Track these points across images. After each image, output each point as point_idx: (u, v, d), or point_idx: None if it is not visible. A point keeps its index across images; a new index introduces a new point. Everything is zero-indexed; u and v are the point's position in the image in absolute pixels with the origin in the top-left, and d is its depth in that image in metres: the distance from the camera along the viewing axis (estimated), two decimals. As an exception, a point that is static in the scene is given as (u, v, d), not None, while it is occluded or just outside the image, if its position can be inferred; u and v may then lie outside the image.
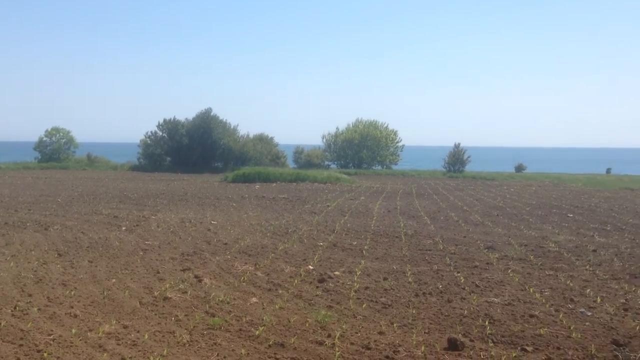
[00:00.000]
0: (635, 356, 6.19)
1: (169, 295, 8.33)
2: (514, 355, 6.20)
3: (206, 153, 52.52)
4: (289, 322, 7.23)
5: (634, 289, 9.32)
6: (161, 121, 54.48)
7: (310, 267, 10.52)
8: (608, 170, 65.78)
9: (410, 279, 9.74)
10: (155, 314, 7.53)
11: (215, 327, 6.97)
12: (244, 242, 13.15)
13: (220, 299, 8.19)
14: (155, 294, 8.49)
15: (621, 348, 6.42)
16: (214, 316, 7.41)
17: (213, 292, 8.55)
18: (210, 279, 9.47)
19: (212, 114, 53.98)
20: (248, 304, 8.08)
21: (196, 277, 9.52)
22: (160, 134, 54.13)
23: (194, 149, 51.78)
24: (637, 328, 7.16)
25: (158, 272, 9.97)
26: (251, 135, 57.80)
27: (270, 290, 8.87)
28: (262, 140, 58.50)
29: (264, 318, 7.32)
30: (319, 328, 7.04)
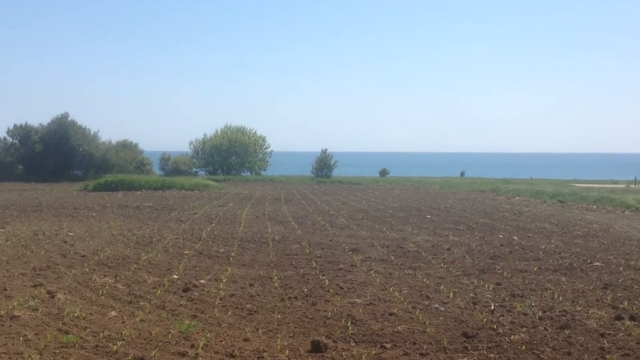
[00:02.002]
0: (482, 346, 6.67)
1: (17, 314, 7.69)
2: (373, 353, 6.43)
3: (64, 161, 49.39)
4: (151, 334, 6.96)
5: (482, 283, 10.06)
6: (11, 127, 50.49)
7: (175, 277, 10.23)
8: (462, 174, 70.76)
9: (276, 284, 9.78)
10: (1, 335, 6.91)
11: (69, 345, 6.53)
12: (103, 254, 12.50)
13: (76, 315, 7.70)
14: (1, 312, 7.80)
15: (470, 339, 6.89)
16: (67, 333, 6.94)
17: (67, 308, 8.02)
18: (65, 294, 8.88)
19: (69, 119, 50.90)
20: (106, 318, 7.67)
21: (49, 292, 8.87)
22: (11, 140, 50.16)
23: (50, 157, 48.47)
24: (485, 320, 7.72)
25: (5, 290, 9.16)
26: (114, 142, 55.29)
27: (131, 303, 8.50)
28: (126, 146, 56.15)
29: (123, 332, 6.99)
30: (182, 339, 6.85)
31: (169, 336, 6.91)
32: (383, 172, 67.22)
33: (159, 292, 9.10)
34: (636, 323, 7.62)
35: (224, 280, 9.97)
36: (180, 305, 8.41)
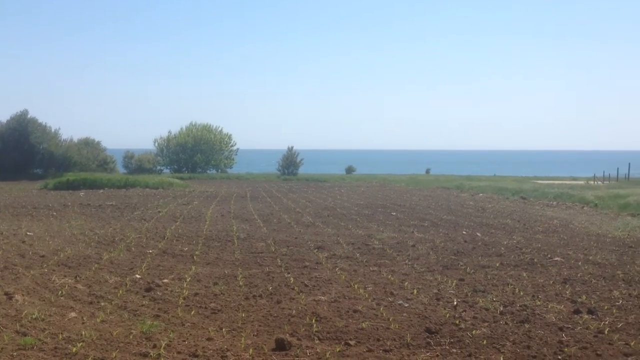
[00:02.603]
0: (445, 341, 6.74)
1: (-28, 317, 7.47)
2: (337, 350, 6.44)
3: (23, 159, 48.11)
4: (112, 335, 6.84)
5: (445, 279, 10.17)
6: (-32, 124, 49.04)
7: (137, 276, 10.08)
8: (427, 171, 71.49)
9: (241, 283, 9.72)
10: (-46, 339, 6.70)
11: (27, 347, 6.37)
12: (64, 254, 12.23)
13: (34, 317, 7.52)
14: (-44, 316, 7.57)
15: (433, 335, 6.96)
16: (25, 335, 6.77)
17: (26, 310, 7.82)
18: (23, 295, 8.66)
19: (29, 116, 49.65)
20: (66, 319, 7.51)
21: (6, 294, 8.64)
22: (-33, 138, 48.69)
23: (8, 155, 47.16)
24: (447, 315, 7.81)
25: (-40, 292, 8.91)
26: (75, 140, 54.18)
27: (91, 304, 8.34)
28: (88, 144, 55.15)
29: (83, 333, 6.85)
30: (144, 339, 6.74)
31: (131, 337, 6.80)
32: (349, 170, 67.47)
33: (120, 292, 8.95)
34: (594, 317, 7.80)
35: (188, 279, 9.87)
36: (143, 305, 8.28)
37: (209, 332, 7.04)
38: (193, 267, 10.98)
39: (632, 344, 6.66)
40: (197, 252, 12.66)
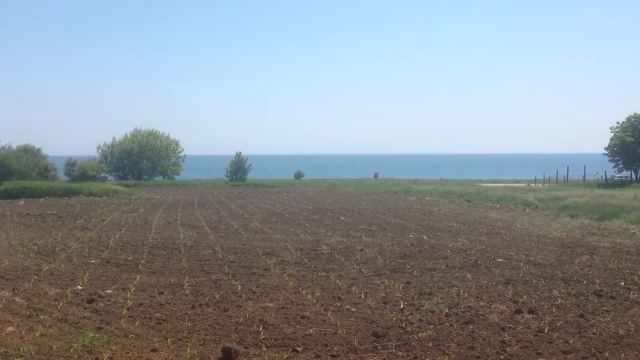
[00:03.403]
0: (391, 345, 6.81)
1: None
2: (285, 357, 6.41)
3: (-43, 167, 46.21)
4: (51, 349, 6.60)
5: (392, 283, 10.28)
6: None
7: (79, 287, 9.78)
8: (375, 175, 72.36)
9: (187, 291, 9.56)
10: None
11: (-41, 366, 6.09)
12: (1, 266, 11.74)
13: (-32, 333, 7.19)
14: None
15: (380, 339, 7.02)
16: (-42, 353, 6.47)
17: (-42, 326, 7.47)
18: (-44, 310, 8.27)
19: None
20: (3, 334, 7.20)
21: (-63, 310, 8.24)
22: None
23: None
24: (394, 319, 7.89)
25: None
26: (14, 147, 52.29)
27: (30, 317, 8.03)
28: (28, 151, 53.23)
29: (22, 348, 6.59)
30: (85, 352, 6.54)
31: (71, 350, 6.58)
32: (298, 175, 67.56)
33: (61, 304, 8.66)
34: (534, 316, 8.03)
35: (132, 289, 9.63)
36: (84, 317, 8.04)
37: (154, 343, 6.88)
38: (138, 277, 10.74)
39: (570, 341, 6.89)
40: (142, 261, 12.39)
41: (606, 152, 57.96)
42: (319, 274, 11.21)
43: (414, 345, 6.78)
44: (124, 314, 8.17)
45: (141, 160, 60.80)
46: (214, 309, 8.46)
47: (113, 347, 6.66)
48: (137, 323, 7.72)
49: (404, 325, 7.58)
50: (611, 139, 57.10)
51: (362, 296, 9.24)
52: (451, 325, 7.63)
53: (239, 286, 9.95)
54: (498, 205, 28.97)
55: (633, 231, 17.84)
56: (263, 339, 7.05)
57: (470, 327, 7.52)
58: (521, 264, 12.18)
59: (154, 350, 6.64)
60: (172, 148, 65.11)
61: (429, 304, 8.72)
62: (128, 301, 8.84)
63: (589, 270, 11.42)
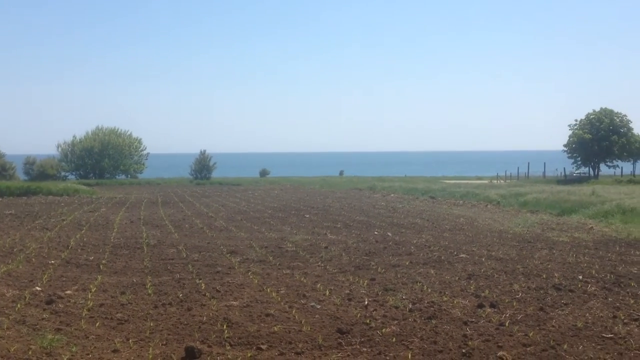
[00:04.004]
0: (356, 341, 6.83)
1: None
2: (249, 355, 6.37)
3: None
4: (9, 352, 6.42)
5: (357, 279, 10.33)
6: None
7: (38, 288, 9.55)
8: (341, 173, 72.56)
9: (150, 291, 9.42)
10: None
11: None
12: (-45, 268, 11.40)
13: None
14: None
15: (344, 335, 7.04)
16: None
17: None
18: None
19: None
20: (-43, 338, 6.99)
21: None
22: None
23: None
24: (359, 315, 7.92)
25: None
26: (-30, 145, 50.86)
27: (-14, 320, 7.81)
28: (-16, 150, 51.85)
29: (-23, 352, 6.41)
30: (44, 355, 6.38)
31: (30, 352, 6.42)
32: (263, 173, 67.33)
33: (19, 306, 8.43)
34: (495, 310, 8.17)
35: (93, 290, 9.45)
36: (43, 318, 7.85)
37: (115, 344, 6.76)
38: (99, 277, 10.54)
39: (530, 334, 7.03)
40: (103, 261, 12.17)
41: (565, 149, 59.34)
42: (284, 271, 11.19)
43: (378, 341, 6.82)
44: (84, 314, 8.01)
45: (103, 159, 59.75)
46: (177, 309, 8.36)
47: (73, 349, 6.53)
48: (97, 324, 7.58)
49: (368, 321, 7.61)
50: (570, 137, 58.50)
51: (327, 293, 9.25)
52: (415, 320, 7.70)
53: (202, 285, 9.86)
54: (461, 201, 29.38)
55: (591, 226, 18.31)
56: (227, 337, 7.00)
57: (434, 322, 7.60)
58: (483, 259, 12.38)
59: (115, 351, 6.53)
60: (134, 146, 64.19)
61: (393, 299, 8.78)
62: (89, 302, 8.67)
63: (549, 265, 11.67)
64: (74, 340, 6.90)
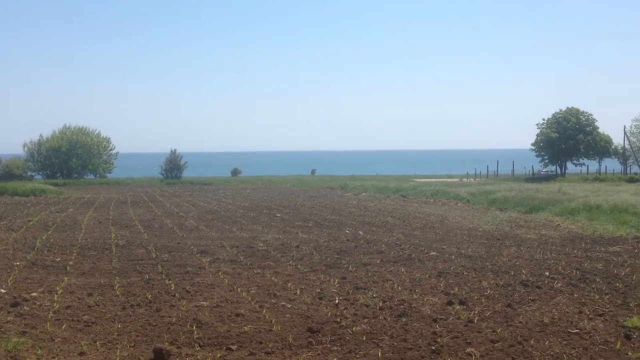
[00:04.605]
0: (326, 340, 6.84)
1: None
2: (219, 355, 6.33)
3: None
4: (-29, 357, 6.28)
5: (328, 278, 10.33)
6: None
7: (2, 291, 9.33)
8: (313, 171, 72.55)
9: (118, 292, 9.29)
10: None
11: None
12: None
13: None
14: None
15: (315, 334, 7.04)
16: None
17: None
18: None
19: None
20: None
21: None
22: None
23: None
24: (329, 314, 7.93)
25: None
26: None
27: (-53, 324, 7.60)
28: (-53, 149, 50.46)
29: (-63, 357, 6.23)
30: (9, 358, 6.24)
31: (-7, 357, 6.28)
32: (235, 172, 67.01)
33: (-18, 309, 8.24)
34: (465, 307, 8.26)
35: (59, 292, 9.28)
36: (8, 321, 7.67)
37: (82, 346, 6.65)
38: (66, 279, 10.35)
39: (498, 330, 7.12)
40: (70, 262, 11.96)
41: (533, 147, 60.33)
42: (255, 271, 11.14)
43: (348, 340, 6.83)
44: (50, 317, 7.85)
45: (70, 158, 58.70)
46: (145, 310, 8.26)
47: (38, 352, 6.40)
48: (64, 326, 7.44)
49: (338, 320, 7.62)
50: (537, 135, 59.52)
51: (298, 292, 9.24)
52: (385, 318, 7.73)
53: (172, 285, 9.76)
54: (432, 200, 29.64)
55: (557, 223, 18.64)
56: (196, 338, 6.93)
57: (404, 319, 7.64)
58: (453, 256, 12.50)
59: (81, 353, 6.42)
60: (103, 145, 63.21)
61: (363, 298, 8.81)
62: (55, 304, 8.51)
63: (517, 262, 11.85)
64: (40, 343, 6.77)
